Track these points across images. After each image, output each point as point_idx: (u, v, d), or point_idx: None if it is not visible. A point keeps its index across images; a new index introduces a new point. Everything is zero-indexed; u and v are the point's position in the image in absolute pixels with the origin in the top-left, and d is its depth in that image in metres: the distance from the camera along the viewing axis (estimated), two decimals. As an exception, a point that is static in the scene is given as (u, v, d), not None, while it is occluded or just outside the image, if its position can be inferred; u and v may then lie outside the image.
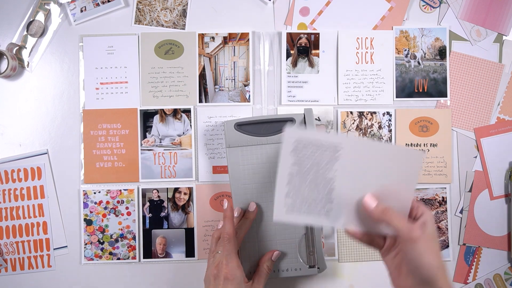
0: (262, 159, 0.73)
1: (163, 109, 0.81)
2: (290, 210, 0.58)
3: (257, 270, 0.70)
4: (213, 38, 0.82)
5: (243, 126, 0.74)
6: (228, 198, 0.80)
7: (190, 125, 0.81)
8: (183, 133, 0.81)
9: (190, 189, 0.81)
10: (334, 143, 0.56)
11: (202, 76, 0.82)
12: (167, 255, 0.81)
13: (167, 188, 0.81)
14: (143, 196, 0.81)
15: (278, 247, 0.73)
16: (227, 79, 0.82)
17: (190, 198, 0.81)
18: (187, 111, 0.81)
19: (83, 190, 0.81)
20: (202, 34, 0.82)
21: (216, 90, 0.82)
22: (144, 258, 0.81)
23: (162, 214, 0.81)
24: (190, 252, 0.81)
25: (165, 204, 0.81)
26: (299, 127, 0.73)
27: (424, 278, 0.50)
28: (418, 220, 0.53)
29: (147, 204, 0.81)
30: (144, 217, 0.81)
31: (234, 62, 0.82)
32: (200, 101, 0.82)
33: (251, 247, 0.73)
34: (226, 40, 0.82)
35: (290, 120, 0.74)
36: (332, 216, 0.58)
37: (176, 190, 0.81)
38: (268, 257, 0.71)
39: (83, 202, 0.81)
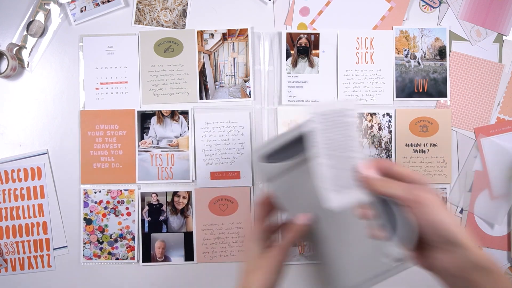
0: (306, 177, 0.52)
1: (160, 111, 0.81)
2: (338, 191, 0.48)
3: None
4: (212, 35, 0.82)
5: (272, 157, 0.52)
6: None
7: (188, 127, 0.81)
8: (181, 134, 0.81)
9: (189, 192, 0.81)
10: (347, 108, 0.48)
11: (202, 73, 0.82)
12: (166, 259, 0.81)
13: (166, 192, 0.81)
14: (142, 199, 0.81)
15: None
16: (227, 75, 0.82)
17: (189, 202, 0.81)
18: (184, 113, 0.81)
19: (84, 189, 0.81)
20: (201, 31, 0.82)
21: (217, 86, 0.82)
22: (143, 262, 0.81)
23: (161, 218, 0.81)
24: (189, 256, 0.81)
25: (164, 208, 0.81)
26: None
27: (446, 237, 0.44)
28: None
29: (146, 207, 0.81)
30: (143, 220, 0.81)
31: (234, 58, 0.82)
32: (201, 98, 0.81)
33: None
34: (225, 36, 0.82)
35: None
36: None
37: (175, 193, 0.81)
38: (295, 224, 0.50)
39: (84, 201, 0.81)
